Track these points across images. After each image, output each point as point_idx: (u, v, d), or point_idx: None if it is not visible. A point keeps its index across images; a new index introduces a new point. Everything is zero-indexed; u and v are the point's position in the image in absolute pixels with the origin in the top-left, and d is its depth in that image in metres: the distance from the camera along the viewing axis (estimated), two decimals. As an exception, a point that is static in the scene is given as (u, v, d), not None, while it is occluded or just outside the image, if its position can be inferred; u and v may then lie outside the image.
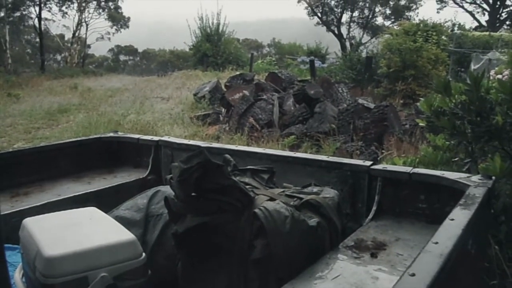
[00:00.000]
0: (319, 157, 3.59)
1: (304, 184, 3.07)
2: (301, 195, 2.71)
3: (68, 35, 46.14)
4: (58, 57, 50.89)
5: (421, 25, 20.60)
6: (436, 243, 1.92)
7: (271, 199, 2.60)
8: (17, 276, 2.53)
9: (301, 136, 11.48)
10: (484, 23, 44.64)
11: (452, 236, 2.00)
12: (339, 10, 42.56)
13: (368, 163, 3.31)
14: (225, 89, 16.67)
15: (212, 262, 2.47)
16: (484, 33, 27.54)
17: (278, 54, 36.68)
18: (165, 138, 4.49)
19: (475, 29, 37.00)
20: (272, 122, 12.70)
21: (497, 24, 43.68)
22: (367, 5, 42.79)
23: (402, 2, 43.02)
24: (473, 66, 23.20)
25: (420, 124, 4.66)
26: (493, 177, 2.92)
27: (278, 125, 12.59)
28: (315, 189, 2.87)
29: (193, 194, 2.40)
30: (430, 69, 18.22)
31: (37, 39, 43.92)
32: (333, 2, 42.00)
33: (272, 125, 12.62)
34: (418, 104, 12.69)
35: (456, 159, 4.15)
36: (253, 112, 12.87)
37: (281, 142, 11.11)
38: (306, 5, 42.20)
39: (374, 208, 3.22)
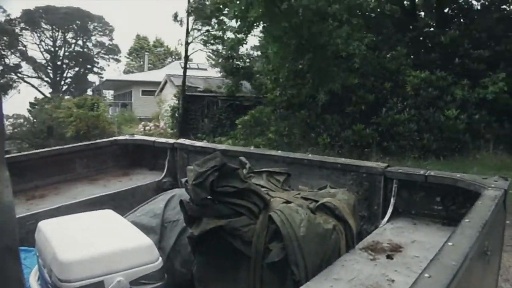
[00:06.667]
0: (334, 159, 3.58)
1: (319, 186, 3.06)
2: (316, 198, 2.70)
3: None
4: None
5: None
6: (452, 245, 1.90)
7: (287, 201, 2.59)
8: (32, 279, 2.54)
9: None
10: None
11: (468, 238, 1.99)
12: None
13: (383, 165, 3.30)
14: None
15: (228, 265, 2.47)
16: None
17: None
18: (181, 141, 4.50)
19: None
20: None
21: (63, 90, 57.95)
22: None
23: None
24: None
25: None
26: (509, 179, 2.91)
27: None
28: (331, 191, 2.86)
29: (208, 197, 2.40)
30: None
31: None
32: None
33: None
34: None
35: None
36: None
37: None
38: None
39: (389, 210, 3.21)
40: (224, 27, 24.06)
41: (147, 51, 64.38)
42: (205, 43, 26.95)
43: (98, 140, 5.12)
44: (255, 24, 17.22)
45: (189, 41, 26.27)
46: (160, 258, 2.32)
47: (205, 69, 30.41)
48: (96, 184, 4.24)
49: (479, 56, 17.67)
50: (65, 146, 4.85)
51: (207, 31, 26.48)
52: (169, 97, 29.00)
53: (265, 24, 17.13)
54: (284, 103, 19.41)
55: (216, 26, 25.81)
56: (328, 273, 2.37)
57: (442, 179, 3.08)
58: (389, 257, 2.58)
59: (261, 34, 19.63)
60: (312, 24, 16.42)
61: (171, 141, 4.55)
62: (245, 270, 2.40)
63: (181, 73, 29.23)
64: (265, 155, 3.81)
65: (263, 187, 2.80)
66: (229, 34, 23.38)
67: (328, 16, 16.57)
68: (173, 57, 67.62)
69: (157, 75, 42.65)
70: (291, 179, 3.13)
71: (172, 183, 4.25)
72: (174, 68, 44.29)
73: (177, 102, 26.53)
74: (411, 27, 20.02)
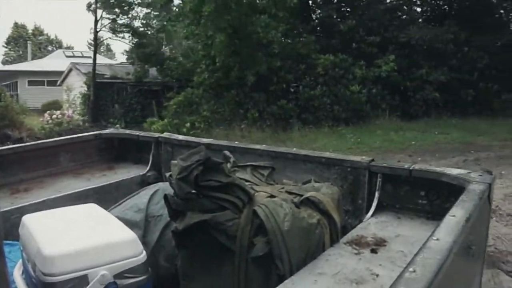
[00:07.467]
0: (319, 153, 3.58)
1: (304, 181, 3.06)
2: (301, 192, 2.70)
3: None
4: None
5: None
6: (437, 239, 1.91)
7: (271, 196, 2.59)
8: (16, 272, 2.53)
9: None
10: None
11: (453, 232, 1.99)
12: None
13: (368, 159, 3.31)
14: None
15: (212, 260, 2.46)
16: None
17: None
18: (166, 135, 4.49)
19: None
20: None
21: None
22: None
23: None
24: None
25: None
26: (493, 173, 2.92)
27: None
28: (315, 186, 2.86)
29: (193, 191, 2.40)
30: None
31: None
32: None
33: None
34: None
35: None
36: None
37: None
38: None
39: (374, 204, 3.21)
40: (136, 16, 28.36)
41: (27, 40, 63.03)
42: (113, 31, 28.56)
43: (82, 134, 5.09)
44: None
45: (97, 29, 27.97)
46: (144, 252, 2.32)
47: (90, 57, 30.97)
48: (81, 178, 4.22)
49: (372, 41, 22.76)
50: (49, 140, 4.82)
51: (114, 19, 28.16)
52: (76, 85, 29.43)
53: (213, 17, 19.55)
54: (213, 85, 21.94)
55: (120, 15, 28.05)
56: (312, 268, 2.37)
57: (427, 173, 3.09)
58: (373, 251, 2.58)
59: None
60: (243, 16, 19.99)
61: (156, 134, 4.54)
62: (229, 264, 2.40)
63: (67, 62, 32.51)
64: (250, 149, 3.81)
65: (247, 181, 2.80)
66: (138, 23, 28.09)
67: (258, 10, 20.78)
68: (53, 45, 67.92)
69: (44, 65, 42.53)
70: (275, 173, 3.13)
71: (157, 177, 4.24)
72: (58, 56, 45.20)
73: (87, 89, 27.78)
74: (307, 15, 24.93)
